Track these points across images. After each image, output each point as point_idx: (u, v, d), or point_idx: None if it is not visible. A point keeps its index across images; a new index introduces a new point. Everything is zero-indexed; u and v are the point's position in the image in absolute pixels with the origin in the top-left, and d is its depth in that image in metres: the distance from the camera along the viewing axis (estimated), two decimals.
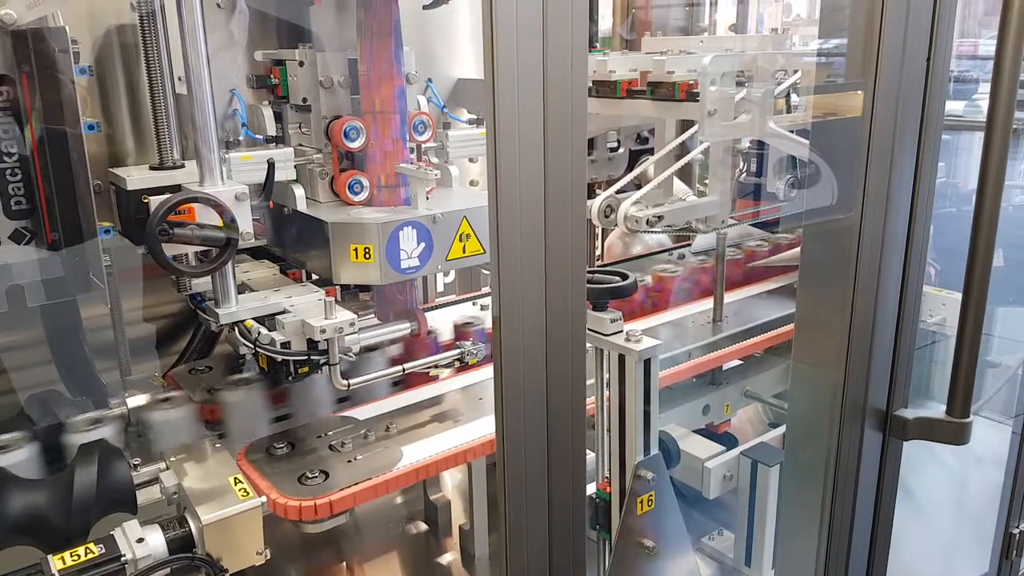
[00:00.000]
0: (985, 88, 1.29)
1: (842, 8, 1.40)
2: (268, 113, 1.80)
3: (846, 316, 1.39)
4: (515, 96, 1.02)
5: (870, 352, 1.43)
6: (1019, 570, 2.26)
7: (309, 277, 1.84)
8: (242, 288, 1.70)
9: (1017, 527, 2.16)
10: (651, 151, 2.49)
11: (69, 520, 1.50)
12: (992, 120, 1.28)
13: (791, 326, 1.70)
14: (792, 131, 2.01)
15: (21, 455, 1.60)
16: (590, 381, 1.68)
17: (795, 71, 2.08)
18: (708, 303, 2.41)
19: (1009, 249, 2.02)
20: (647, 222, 1.90)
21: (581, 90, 1.08)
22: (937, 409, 1.52)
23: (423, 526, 2.20)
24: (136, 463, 1.63)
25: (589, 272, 1.69)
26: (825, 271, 1.42)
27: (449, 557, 2.10)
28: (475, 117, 2.05)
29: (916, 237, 1.40)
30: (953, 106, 2.43)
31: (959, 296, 1.42)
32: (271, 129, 1.80)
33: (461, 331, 2.05)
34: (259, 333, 1.59)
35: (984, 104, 1.29)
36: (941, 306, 2.16)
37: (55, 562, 1.36)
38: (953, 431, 1.47)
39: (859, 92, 1.30)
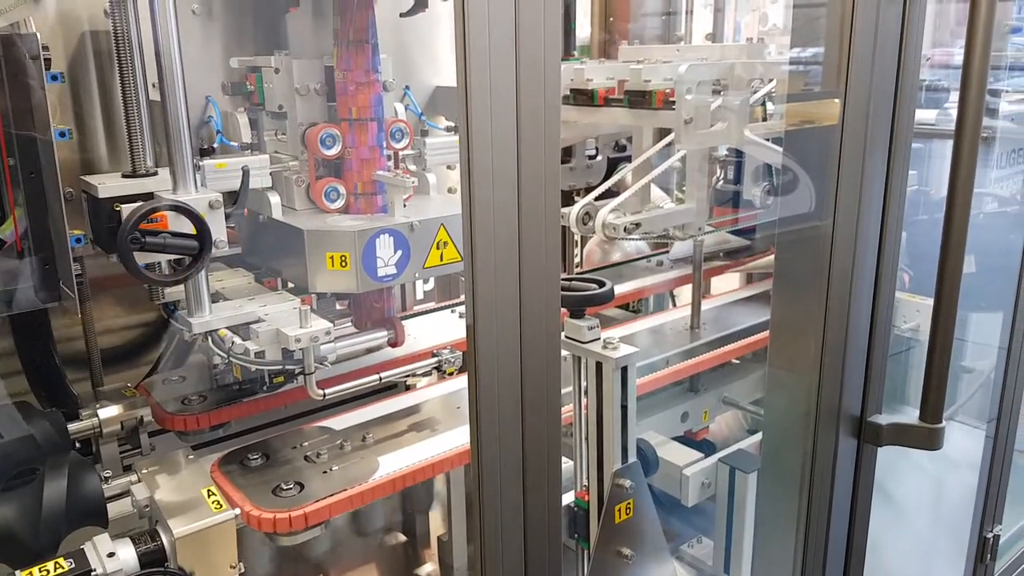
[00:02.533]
0: (956, 96, 1.31)
1: (815, 19, 1.42)
2: (243, 120, 1.78)
3: (820, 322, 1.40)
4: (488, 103, 1.02)
5: (843, 358, 1.43)
6: (993, 573, 2.28)
7: (285, 285, 1.83)
8: (216, 297, 1.69)
9: (991, 531, 2.18)
10: (629, 159, 2.51)
11: (38, 534, 1.47)
12: (961, 127, 1.29)
13: (768, 332, 1.71)
14: (768, 139, 2.03)
15: None
16: (568, 389, 1.68)
17: (771, 80, 2.10)
18: (685, 311, 2.42)
19: (982, 256, 2.05)
20: (624, 229, 1.90)
21: (554, 97, 1.08)
22: (912, 414, 1.53)
23: (401, 537, 2.18)
24: (107, 475, 1.60)
25: (566, 280, 1.69)
26: (799, 278, 1.43)
27: (427, 568, 2.09)
28: (453, 125, 2.05)
29: (888, 244, 1.41)
30: (926, 114, 2.46)
31: (932, 302, 1.43)
32: (246, 136, 1.78)
33: None
34: (233, 342, 1.57)
35: (955, 112, 1.31)
36: (915, 312, 2.18)
37: None
38: (926, 436, 1.48)
39: (835, 100, 1.31)
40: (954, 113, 1.32)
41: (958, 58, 1.30)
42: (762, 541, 1.88)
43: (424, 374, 1.92)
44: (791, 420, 1.52)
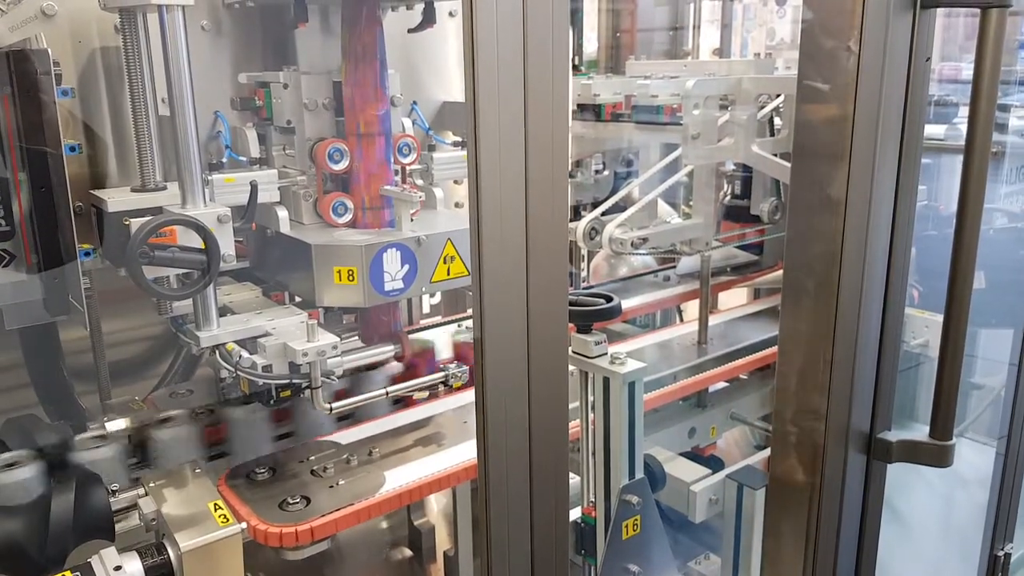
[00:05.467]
0: (966, 111, 1.31)
1: (824, 33, 1.42)
2: (252, 135, 1.80)
3: (828, 338, 1.39)
4: (496, 118, 1.02)
5: (853, 374, 1.42)
6: None
7: (292, 299, 1.83)
8: (224, 311, 1.69)
9: (1002, 549, 2.16)
10: (636, 173, 2.51)
11: (45, 548, 1.47)
12: (971, 142, 1.29)
13: (775, 348, 1.70)
14: (776, 154, 2.03)
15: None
16: (575, 404, 1.68)
17: (778, 95, 2.10)
18: (693, 326, 2.42)
19: (992, 271, 2.04)
20: (631, 244, 1.90)
21: (563, 112, 1.08)
22: (922, 431, 1.51)
23: (407, 552, 2.17)
24: (114, 489, 1.60)
25: (573, 295, 1.69)
26: (807, 293, 1.42)
27: None
28: (460, 139, 2.06)
29: (897, 259, 1.40)
30: (935, 129, 2.46)
31: (941, 318, 1.42)
32: (255, 151, 1.79)
33: None
34: (240, 356, 1.58)
35: (964, 127, 1.31)
36: (924, 328, 2.17)
37: None
38: (936, 454, 1.46)
39: (844, 114, 1.30)
40: (963, 128, 1.32)
41: (967, 72, 1.30)
42: (770, 558, 1.86)
43: (430, 388, 1.91)
44: (799, 436, 1.51)
